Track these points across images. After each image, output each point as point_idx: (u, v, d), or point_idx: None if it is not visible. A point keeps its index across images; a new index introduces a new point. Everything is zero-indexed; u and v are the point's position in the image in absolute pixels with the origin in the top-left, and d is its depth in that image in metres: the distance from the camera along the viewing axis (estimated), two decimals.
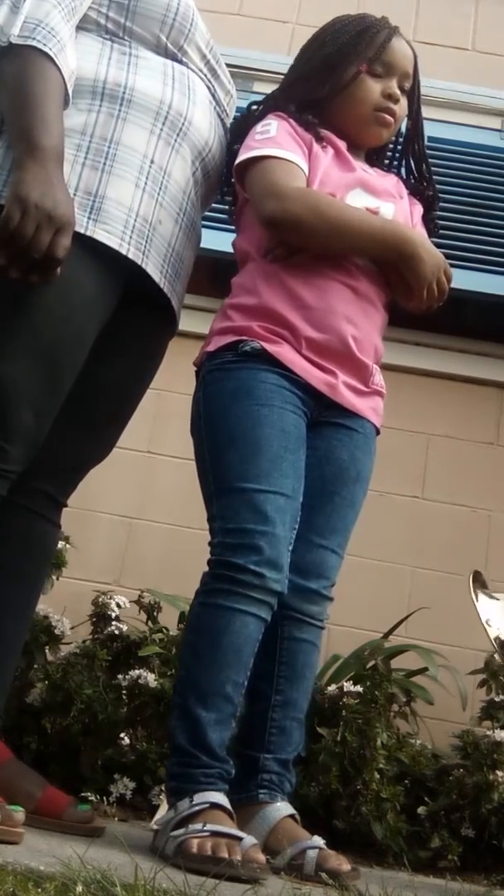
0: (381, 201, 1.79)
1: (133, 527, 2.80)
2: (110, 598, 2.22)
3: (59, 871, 1.17)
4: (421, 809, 2.01)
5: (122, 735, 2.02)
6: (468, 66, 3.28)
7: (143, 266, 1.56)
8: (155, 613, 2.29)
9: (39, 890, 1.11)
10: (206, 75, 1.70)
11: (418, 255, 1.70)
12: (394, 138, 1.94)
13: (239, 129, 1.83)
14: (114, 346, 1.63)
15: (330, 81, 1.80)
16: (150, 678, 2.06)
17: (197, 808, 1.48)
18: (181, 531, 2.72)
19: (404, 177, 1.94)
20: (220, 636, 1.56)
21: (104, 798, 1.80)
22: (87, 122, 1.53)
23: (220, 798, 1.51)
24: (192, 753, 1.53)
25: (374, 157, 1.94)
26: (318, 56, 1.83)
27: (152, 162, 1.57)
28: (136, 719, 2.05)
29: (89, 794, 1.80)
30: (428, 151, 3.50)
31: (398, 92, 1.82)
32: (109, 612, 2.20)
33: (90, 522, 2.73)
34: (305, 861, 1.50)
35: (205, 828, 1.44)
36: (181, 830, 1.46)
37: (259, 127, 1.77)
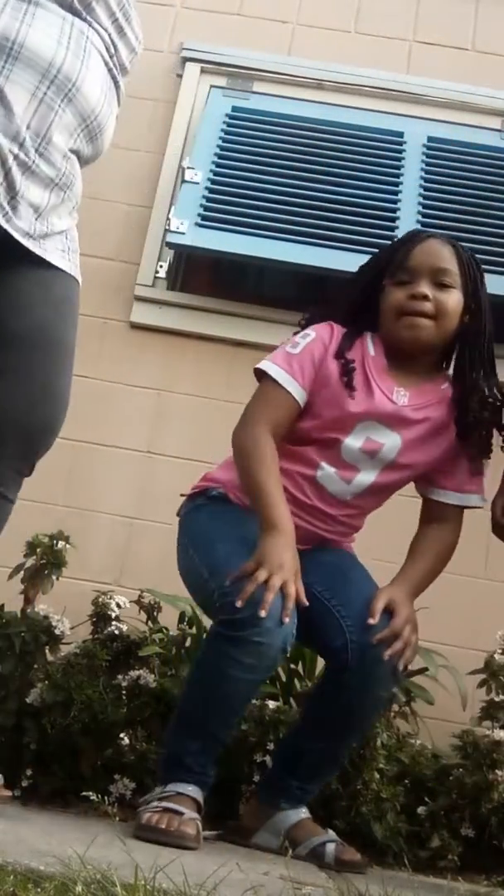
0: (390, 433, 1.81)
1: (133, 527, 2.79)
2: (110, 598, 2.22)
3: (59, 871, 1.17)
4: (421, 809, 2.02)
5: (122, 735, 2.02)
6: (468, 66, 3.28)
7: (6, 226, 1.50)
8: (155, 613, 2.29)
9: (39, 890, 1.11)
10: (110, 34, 1.65)
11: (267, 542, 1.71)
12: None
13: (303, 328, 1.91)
14: (8, 300, 1.57)
15: (368, 298, 1.89)
16: (150, 678, 2.06)
17: (166, 793, 1.69)
18: None
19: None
20: (217, 688, 1.68)
21: (104, 798, 1.80)
22: None
23: (188, 789, 1.68)
24: (177, 765, 1.72)
25: (440, 361, 1.93)
26: (362, 275, 1.94)
27: (28, 128, 1.51)
28: (136, 719, 2.05)
29: (90, 794, 1.80)
30: (428, 151, 3.48)
31: (424, 290, 1.80)
32: (109, 612, 2.20)
33: (90, 522, 2.73)
34: (325, 853, 1.73)
35: (159, 804, 1.65)
36: (144, 807, 1.69)
37: (299, 336, 1.86)
